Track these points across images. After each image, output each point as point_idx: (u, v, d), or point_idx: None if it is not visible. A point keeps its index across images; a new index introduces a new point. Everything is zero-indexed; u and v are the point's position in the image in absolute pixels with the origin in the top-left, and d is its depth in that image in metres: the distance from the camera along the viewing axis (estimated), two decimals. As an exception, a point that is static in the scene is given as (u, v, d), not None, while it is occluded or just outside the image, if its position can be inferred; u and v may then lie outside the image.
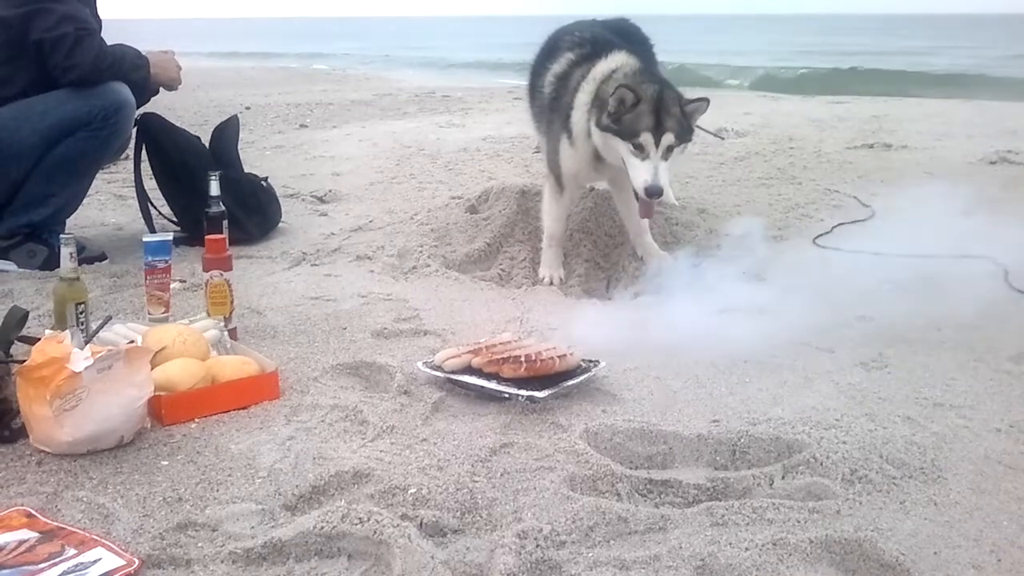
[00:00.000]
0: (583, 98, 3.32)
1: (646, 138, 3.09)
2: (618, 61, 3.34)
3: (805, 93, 11.85)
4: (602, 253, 3.81)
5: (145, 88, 3.69)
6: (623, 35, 3.69)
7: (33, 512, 1.77)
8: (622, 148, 3.15)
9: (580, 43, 3.55)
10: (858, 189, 4.84)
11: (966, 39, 37.59)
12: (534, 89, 3.76)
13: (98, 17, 3.64)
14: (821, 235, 3.94)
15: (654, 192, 3.09)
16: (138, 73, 3.58)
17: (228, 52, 28.28)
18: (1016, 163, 5.55)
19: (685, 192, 4.66)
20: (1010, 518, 1.80)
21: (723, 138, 6.47)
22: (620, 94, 3.12)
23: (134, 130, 3.79)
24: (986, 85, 13.08)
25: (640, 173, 3.10)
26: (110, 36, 3.62)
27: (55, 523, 1.73)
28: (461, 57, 22.88)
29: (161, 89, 3.79)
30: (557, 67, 3.54)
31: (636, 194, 3.17)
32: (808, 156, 5.97)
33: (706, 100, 3.27)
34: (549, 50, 3.71)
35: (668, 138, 3.11)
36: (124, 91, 3.53)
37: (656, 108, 3.11)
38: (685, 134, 3.18)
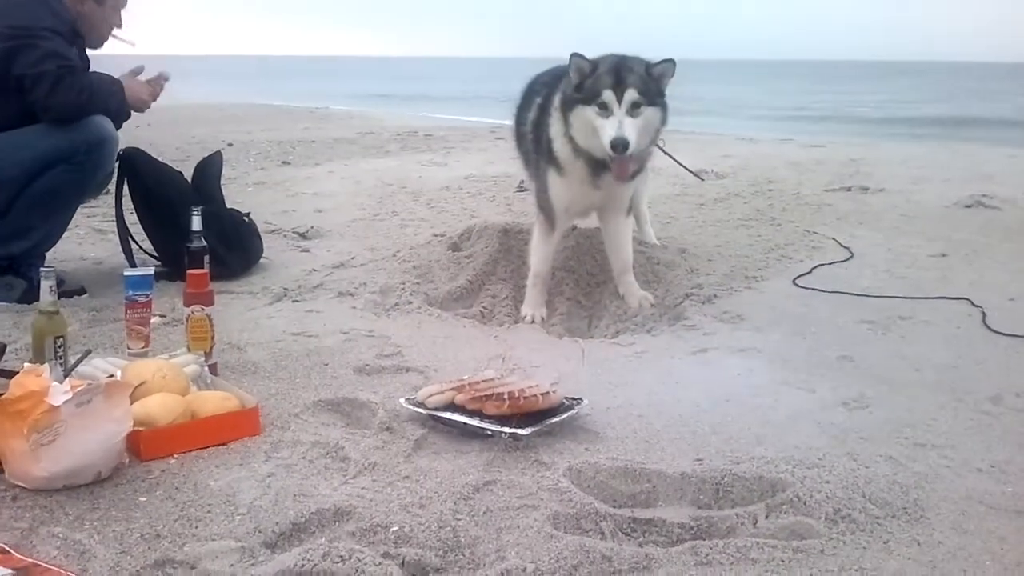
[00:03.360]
0: (557, 128, 3.39)
1: (608, 96, 3.17)
2: None
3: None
4: (584, 292, 3.81)
5: (120, 113, 3.66)
6: None
7: (7, 548, 1.74)
8: (590, 115, 3.21)
9: (547, 84, 3.64)
10: (837, 231, 4.89)
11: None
12: (520, 137, 3.85)
13: (85, 58, 3.64)
14: (801, 276, 3.97)
15: (619, 144, 3.14)
16: (115, 99, 3.55)
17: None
18: (990, 207, 5.64)
19: (666, 232, 4.70)
20: (993, 558, 1.80)
21: (703, 179, 6.54)
22: (576, 63, 3.23)
23: (116, 164, 3.77)
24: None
25: (606, 131, 3.17)
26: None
27: (30, 559, 1.70)
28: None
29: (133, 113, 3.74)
30: (532, 114, 3.65)
31: (609, 158, 3.22)
32: (787, 198, 6.04)
33: (672, 61, 3.31)
34: (524, 99, 3.82)
35: (631, 94, 3.18)
36: (107, 126, 3.52)
37: (616, 68, 3.22)
38: (652, 95, 3.25)
